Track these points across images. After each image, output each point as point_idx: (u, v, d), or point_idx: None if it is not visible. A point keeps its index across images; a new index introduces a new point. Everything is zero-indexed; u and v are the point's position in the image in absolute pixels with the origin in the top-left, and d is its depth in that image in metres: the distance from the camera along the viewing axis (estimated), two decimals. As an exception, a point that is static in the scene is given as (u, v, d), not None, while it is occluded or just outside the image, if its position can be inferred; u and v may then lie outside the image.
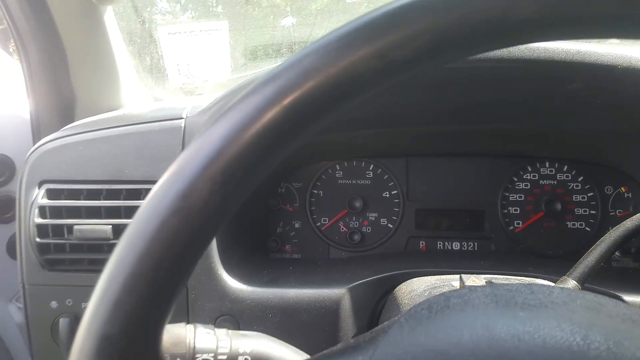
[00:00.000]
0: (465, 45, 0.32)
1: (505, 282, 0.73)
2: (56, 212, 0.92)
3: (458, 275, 0.74)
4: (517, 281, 0.74)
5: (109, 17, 1.19)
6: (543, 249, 1.20)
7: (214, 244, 0.90)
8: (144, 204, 0.33)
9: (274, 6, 1.67)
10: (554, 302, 0.43)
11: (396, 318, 0.44)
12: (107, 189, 0.92)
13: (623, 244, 0.75)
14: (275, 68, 0.34)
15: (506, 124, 1.08)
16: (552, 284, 0.74)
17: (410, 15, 0.31)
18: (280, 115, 0.32)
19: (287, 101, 0.32)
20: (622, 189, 1.19)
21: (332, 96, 0.32)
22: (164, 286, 0.33)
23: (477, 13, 0.30)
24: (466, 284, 0.70)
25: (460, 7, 0.31)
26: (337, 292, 0.90)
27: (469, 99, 0.99)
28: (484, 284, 0.70)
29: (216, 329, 0.57)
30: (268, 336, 0.60)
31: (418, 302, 0.47)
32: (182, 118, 0.93)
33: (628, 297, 0.87)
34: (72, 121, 1.17)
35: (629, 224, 0.75)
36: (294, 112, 0.32)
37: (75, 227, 0.89)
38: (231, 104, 0.34)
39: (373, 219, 1.26)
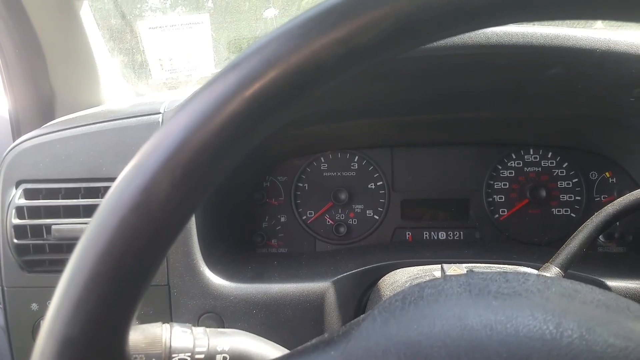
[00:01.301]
0: (427, 31, 0.31)
1: (487, 270, 0.73)
2: (34, 212, 0.91)
3: (440, 265, 0.74)
4: (499, 269, 0.74)
5: (86, 12, 1.17)
6: (528, 236, 1.20)
7: (195, 240, 0.89)
8: (104, 199, 0.32)
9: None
10: (528, 290, 0.42)
11: (371, 311, 0.43)
12: (85, 187, 0.91)
13: (605, 229, 0.75)
14: (237, 57, 0.33)
15: (489, 111, 1.07)
16: (535, 271, 0.74)
17: (371, 1, 0.30)
18: (241, 106, 0.31)
19: (248, 92, 0.31)
20: (607, 174, 1.19)
21: (295, 85, 0.31)
22: (127, 285, 0.32)
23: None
24: (447, 273, 0.70)
25: None
26: (322, 286, 0.90)
27: (450, 88, 0.98)
28: (464, 273, 0.70)
29: (193, 328, 0.56)
30: (247, 333, 0.60)
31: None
32: (160, 113, 0.92)
33: (611, 282, 0.87)
34: (53, 118, 1.15)
35: (610, 209, 0.75)
36: (256, 102, 0.31)
37: (53, 227, 0.88)
38: (192, 95, 0.32)
39: (359, 210, 1.26)
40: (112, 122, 0.92)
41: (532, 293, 0.42)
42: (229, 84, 0.31)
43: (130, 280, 0.32)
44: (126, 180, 0.31)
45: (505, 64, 0.86)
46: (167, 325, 0.55)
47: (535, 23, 0.79)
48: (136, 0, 1.69)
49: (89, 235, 0.31)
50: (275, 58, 0.31)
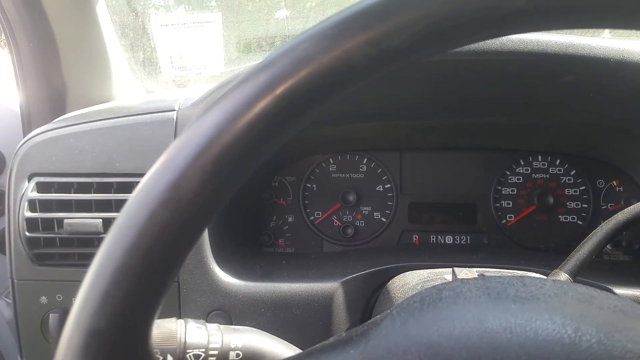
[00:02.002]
0: (459, 35, 0.32)
1: (497, 275, 0.74)
2: (46, 205, 0.91)
3: (450, 269, 0.74)
4: (509, 274, 0.74)
5: (101, 8, 1.18)
6: (535, 243, 1.20)
7: (206, 238, 0.89)
8: (133, 194, 0.32)
9: (268, -1, 1.66)
10: (545, 294, 0.43)
11: (389, 311, 0.44)
12: (97, 182, 0.91)
13: (614, 237, 0.75)
14: (269, 56, 0.33)
15: (499, 117, 1.07)
16: (544, 277, 0.74)
17: (404, 3, 0.31)
18: (272, 105, 0.31)
19: (279, 90, 0.31)
20: (614, 182, 1.20)
21: (325, 85, 0.32)
22: (153, 279, 0.32)
23: (471, 2, 0.30)
24: (458, 277, 0.70)
25: None
26: (330, 286, 0.90)
27: (463, 93, 0.98)
28: (476, 277, 0.70)
29: (207, 324, 0.56)
30: (260, 331, 0.60)
31: (411, 295, 0.47)
32: (174, 110, 0.93)
33: (619, 290, 0.87)
34: (64, 113, 1.16)
35: (620, 217, 0.75)
36: (287, 101, 0.31)
37: (66, 220, 0.88)
38: (223, 92, 0.33)
39: (366, 212, 1.26)
40: (126, 118, 0.92)
41: (549, 297, 0.42)
42: (260, 82, 0.32)
43: (157, 275, 0.32)
44: (157, 175, 0.32)
45: (519, 70, 0.87)
46: (181, 321, 0.56)
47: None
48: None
49: (118, 228, 0.32)
50: (307, 57, 0.31)
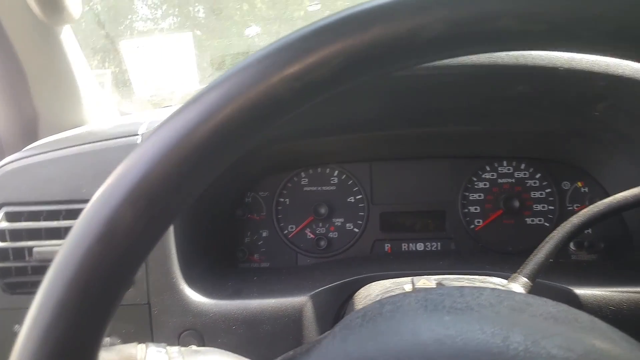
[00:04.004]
0: (377, 65, 0.33)
1: (457, 281, 0.76)
2: (16, 234, 0.92)
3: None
4: (467, 281, 0.76)
5: (67, 35, 1.19)
6: (503, 246, 1.23)
7: (174, 258, 0.90)
8: (72, 229, 0.34)
9: (238, 17, 1.69)
10: (480, 304, 0.44)
11: (332, 328, 0.45)
12: (66, 209, 0.92)
13: (571, 240, 0.77)
14: (198, 92, 0.35)
15: (462, 126, 1.10)
16: (504, 281, 0.76)
17: (324, 39, 0.32)
18: (202, 139, 0.32)
19: (208, 126, 0.32)
20: (579, 183, 1.22)
21: (253, 118, 0.33)
22: (93, 312, 0.33)
23: (387, 35, 0.32)
24: (417, 286, 0.72)
25: (370, 30, 0.32)
26: (300, 300, 0.91)
27: (424, 105, 1.01)
28: (434, 285, 0.72)
29: (168, 347, 0.57)
30: (222, 351, 0.61)
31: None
32: (138, 135, 0.94)
33: (579, 290, 0.89)
34: (36, 139, 1.17)
35: (575, 220, 0.77)
36: (217, 135, 0.33)
37: (35, 249, 0.89)
38: (156, 127, 0.34)
39: (339, 224, 1.28)
40: (92, 144, 0.94)
41: (484, 307, 0.44)
42: (190, 117, 0.33)
43: (97, 308, 0.33)
44: (92, 211, 0.33)
45: (473, 83, 0.89)
46: (142, 345, 0.57)
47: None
48: (121, 20, 1.71)
49: (58, 264, 0.33)
50: (235, 92, 0.33)
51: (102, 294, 0.33)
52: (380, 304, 0.47)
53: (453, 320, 0.40)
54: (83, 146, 0.94)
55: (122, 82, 1.74)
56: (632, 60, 0.35)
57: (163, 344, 0.58)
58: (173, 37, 1.53)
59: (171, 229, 0.91)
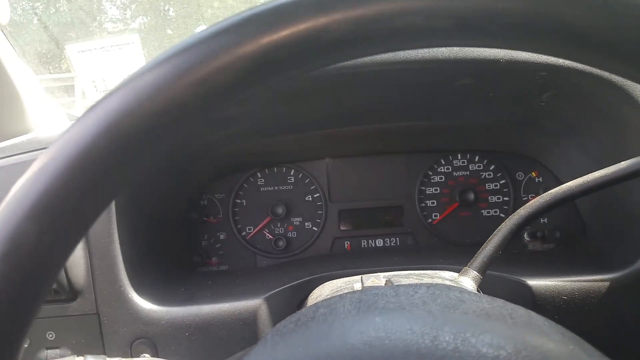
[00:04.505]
0: (283, 67, 0.33)
1: (406, 278, 0.75)
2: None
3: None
4: (416, 277, 0.76)
5: (1, 41, 1.15)
6: (461, 238, 1.23)
7: (121, 267, 0.88)
8: None
9: (187, 16, 1.66)
10: (413, 303, 0.44)
11: (265, 334, 0.44)
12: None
13: (519, 231, 0.78)
14: (101, 97, 0.33)
15: (411, 121, 1.10)
16: (455, 275, 0.76)
17: (227, 41, 0.31)
18: (104, 149, 0.31)
19: (110, 135, 0.31)
20: (533, 173, 1.24)
21: (158, 125, 0.32)
22: (5, 334, 0.32)
23: (290, 36, 0.31)
24: (366, 284, 0.71)
25: (275, 32, 0.31)
26: (253, 304, 0.90)
27: (372, 102, 1.01)
28: (383, 282, 0.72)
29: (108, 358, 0.56)
30: (166, 360, 0.60)
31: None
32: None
33: (532, 281, 0.90)
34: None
35: (522, 212, 0.78)
36: (119, 144, 0.31)
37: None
38: (56, 137, 0.33)
39: (297, 223, 1.27)
40: (31, 154, 0.91)
41: (416, 306, 0.43)
42: (89, 125, 0.31)
43: (7, 328, 0.32)
44: None
45: (416, 77, 0.89)
46: (80, 358, 0.55)
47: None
48: (64, 23, 1.67)
49: None
50: (135, 100, 0.31)
51: (12, 315, 0.32)
52: (315, 308, 0.46)
53: (383, 321, 0.40)
54: (22, 155, 0.91)
55: (71, 87, 1.70)
56: (548, 55, 0.34)
57: (102, 356, 0.57)
58: (120, 39, 1.50)
59: (116, 236, 0.88)
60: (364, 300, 0.45)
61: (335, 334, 0.39)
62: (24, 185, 0.32)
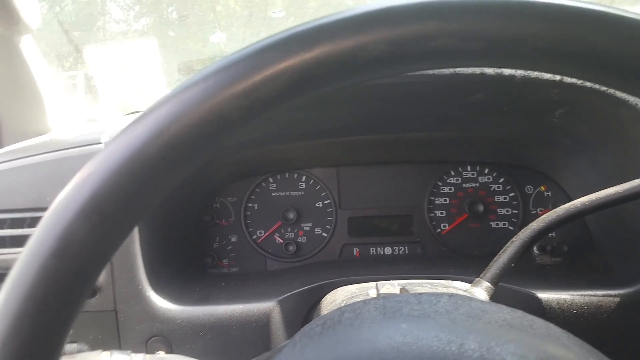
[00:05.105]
0: (321, 83, 0.35)
1: (420, 287, 0.77)
2: (-20, 243, 0.91)
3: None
4: (431, 286, 0.77)
5: (27, 44, 1.18)
6: (469, 250, 1.25)
7: (140, 266, 0.90)
8: (27, 244, 0.34)
9: (204, 23, 1.68)
10: (437, 311, 0.45)
11: (293, 336, 0.46)
12: (30, 217, 0.91)
13: (532, 244, 0.79)
14: (148, 107, 0.35)
15: (425, 132, 1.12)
16: (467, 285, 0.78)
17: (270, 57, 0.33)
18: (152, 156, 0.33)
19: (158, 142, 0.33)
20: (542, 187, 1.25)
21: (202, 135, 0.34)
22: (50, 326, 0.33)
23: (330, 54, 0.33)
24: (381, 291, 0.73)
25: (314, 49, 0.33)
26: (267, 306, 0.92)
27: (387, 113, 1.03)
28: (398, 290, 0.74)
29: (132, 355, 0.58)
30: (185, 357, 0.62)
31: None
32: (101, 143, 0.94)
33: (542, 294, 0.91)
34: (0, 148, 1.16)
35: (535, 225, 0.79)
36: (166, 152, 0.33)
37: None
38: (107, 143, 0.35)
39: (307, 229, 1.29)
40: (55, 153, 0.93)
41: (440, 315, 0.45)
42: (140, 133, 0.33)
43: (54, 321, 0.33)
44: (47, 225, 0.34)
45: (432, 91, 0.91)
46: (106, 353, 0.57)
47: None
48: (85, 27, 1.70)
49: (14, 278, 0.33)
50: (183, 110, 0.33)
51: (59, 308, 0.33)
52: (341, 312, 0.48)
53: (410, 328, 0.41)
54: (46, 155, 0.93)
55: (88, 88, 1.73)
56: (571, 77, 0.36)
57: (128, 352, 0.59)
58: (138, 43, 1.52)
59: (136, 235, 0.91)
60: (389, 306, 0.46)
61: (363, 338, 0.41)
62: (77, 186, 0.34)
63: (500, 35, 0.32)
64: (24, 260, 0.33)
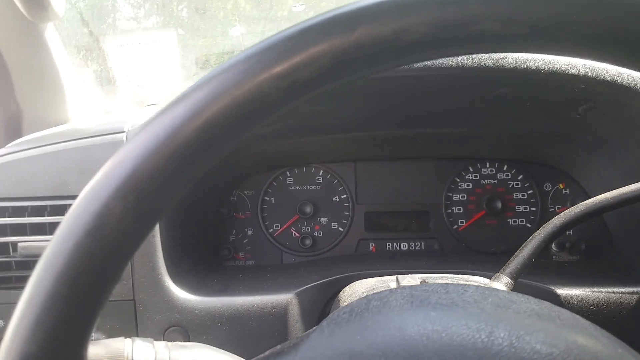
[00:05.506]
0: (361, 66, 0.34)
1: (440, 280, 0.77)
2: (1, 230, 0.92)
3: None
4: (451, 279, 0.77)
5: (50, 32, 1.19)
6: (486, 246, 1.24)
7: (160, 255, 0.91)
8: (62, 223, 0.34)
9: (223, 17, 1.69)
10: (465, 300, 0.45)
11: (320, 323, 0.46)
12: (51, 205, 0.92)
13: (552, 240, 0.78)
14: (186, 89, 0.35)
15: (445, 128, 1.12)
16: (487, 280, 0.77)
17: (311, 38, 0.33)
18: (190, 136, 0.33)
19: (197, 122, 0.33)
20: (560, 185, 1.25)
21: (241, 116, 0.33)
22: (82, 305, 0.33)
23: (371, 36, 0.33)
24: (402, 284, 0.73)
25: (355, 31, 0.33)
26: (285, 298, 0.92)
27: (409, 107, 1.02)
28: (419, 283, 0.73)
29: (155, 342, 0.58)
30: (208, 346, 0.62)
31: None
32: (124, 132, 0.94)
33: (560, 290, 0.91)
34: (20, 136, 1.16)
35: (557, 221, 0.79)
36: (204, 132, 0.33)
37: (20, 244, 0.89)
38: (144, 123, 0.35)
39: (324, 223, 1.29)
40: (76, 141, 0.94)
41: (468, 304, 0.44)
42: (178, 114, 0.33)
43: (86, 301, 0.33)
44: (82, 205, 0.33)
45: (457, 84, 0.91)
46: (129, 340, 0.57)
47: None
48: (104, 18, 1.71)
49: (47, 257, 0.33)
50: (222, 90, 0.33)
51: (92, 288, 0.34)
52: (367, 300, 0.48)
53: (439, 316, 0.41)
54: (68, 143, 0.94)
55: (106, 80, 1.73)
56: (612, 64, 0.36)
57: (150, 339, 0.59)
58: (157, 35, 1.53)
59: (157, 225, 0.91)
60: (416, 295, 0.46)
61: (391, 325, 0.41)
62: (114, 165, 0.34)
63: (542, 20, 0.31)
64: (57, 239, 0.34)
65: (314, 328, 0.47)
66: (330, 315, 0.47)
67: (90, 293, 0.34)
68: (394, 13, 0.32)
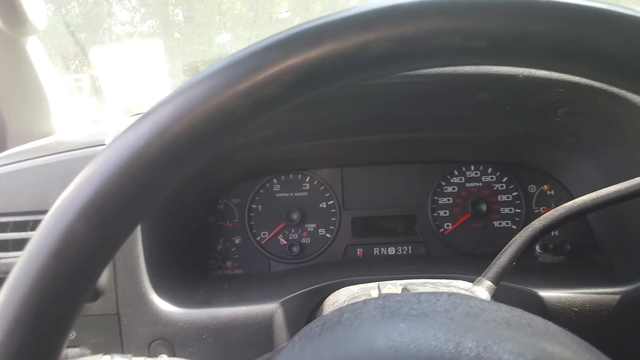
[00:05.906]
0: (325, 81, 0.34)
1: (422, 286, 0.77)
2: (-17, 246, 0.92)
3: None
4: (432, 285, 0.77)
5: (33, 46, 1.19)
6: (472, 249, 1.25)
7: (143, 269, 0.90)
8: (27, 245, 0.34)
9: (210, 24, 1.69)
10: (436, 310, 0.45)
11: (292, 337, 0.46)
12: (33, 220, 0.92)
13: (533, 243, 0.79)
14: (152, 106, 0.35)
15: (429, 132, 1.12)
16: (469, 285, 0.78)
17: (274, 55, 0.33)
18: (154, 155, 0.33)
19: (161, 141, 0.32)
20: (545, 186, 1.25)
21: (206, 133, 0.33)
22: (48, 328, 0.33)
23: (333, 53, 0.33)
24: (383, 291, 0.73)
25: (318, 47, 0.33)
26: (269, 307, 0.92)
27: (392, 112, 1.02)
28: (400, 290, 0.74)
29: (134, 358, 0.58)
30: (186, 360, 0.62)
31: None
32: (104, 144, 0.94)
33: (544, 292, 0.91)
34: (4, 150, 1.16)
35: (537, 224, 0.79)
36: (169, 150, 0.33)
37: (1, 260, 0.89)
38: (109, 141, 0.35)
39: (311, 229, 1.29)
40: (58, 155, 0.93)
41: (439, 314, 0.45)
42: (143, 132, 0.33)
43: (53, 323, 0.33)
44: (46, 227, 0.34)
45: (436, 90, 0.91)
46: (107, 357, 0.57)
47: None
48: (90, 28, 1.70)
49: (13, 279, 0.33)
50: (186, 108, 0.33)
51: (58, 310, 0.33)
52: (340, 312, 0.48)
53: (408, 327, 0.41)
54: (50, 157, 0.94)
55: (93, 89, 1.73)
56: (575, 76, 0.36)
57: (129, 355, 0.59)
58: (143, 44, 1.53)
59: (139, 238, 0.91)
60: (388, 306, 0.46)
61: (361, 338, 0.41)
62: (77, 187, 0.34)
63: (502, 33, 0.32)
64: (23, 262, 0.33)
65: (286, 343, 0.47)
66: (303, 328, 0.47)
67: (56, 315, 0.33)
68: (356, 29, 0.32)
